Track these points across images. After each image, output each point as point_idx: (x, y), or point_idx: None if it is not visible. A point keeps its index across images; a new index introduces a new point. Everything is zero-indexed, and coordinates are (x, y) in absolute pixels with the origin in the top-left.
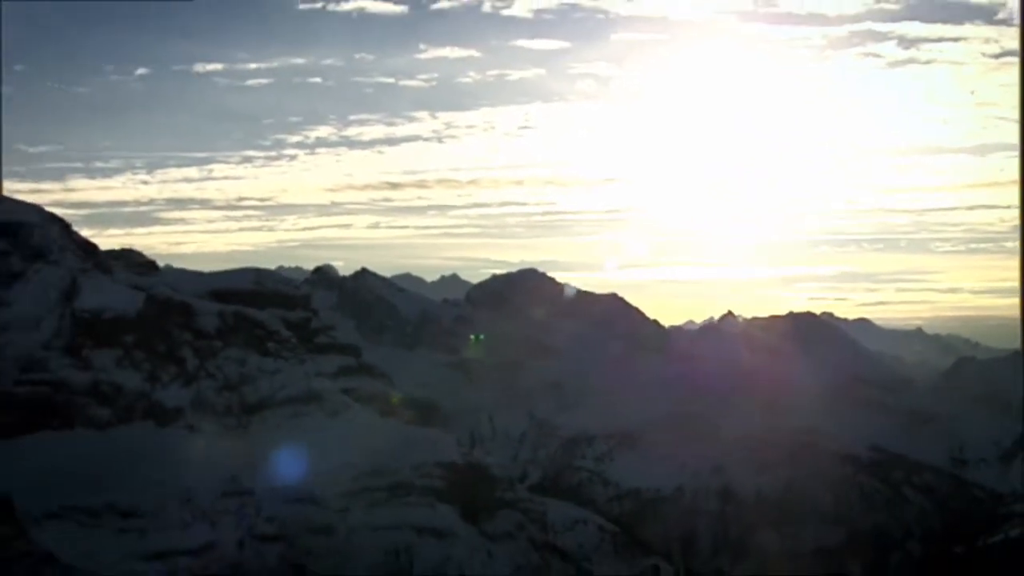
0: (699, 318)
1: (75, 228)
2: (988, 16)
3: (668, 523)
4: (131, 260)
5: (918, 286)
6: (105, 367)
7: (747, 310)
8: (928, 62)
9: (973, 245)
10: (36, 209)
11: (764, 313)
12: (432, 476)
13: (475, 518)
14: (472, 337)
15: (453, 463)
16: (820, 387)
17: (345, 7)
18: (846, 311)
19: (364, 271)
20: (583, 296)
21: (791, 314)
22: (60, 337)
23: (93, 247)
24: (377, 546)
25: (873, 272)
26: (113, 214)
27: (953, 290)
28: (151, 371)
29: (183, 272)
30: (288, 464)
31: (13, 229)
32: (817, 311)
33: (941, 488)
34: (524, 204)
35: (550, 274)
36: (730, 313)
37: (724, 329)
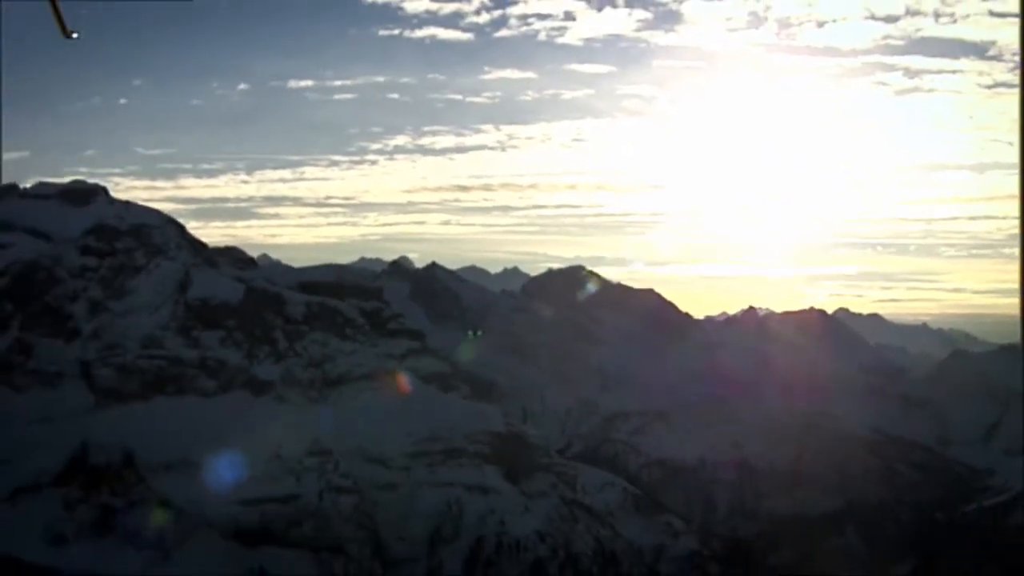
0: (730, 311)
1: (183, 221)
2: (981, 52)
3: (690, 490)
4: (234, 256)
5: (927, 286)
6: (211, 346)
7: (773, 305)
8: (931, 91)
9: (975, 251)
10: (157, 213)
11: (787, 308)
12: (480, 443)
13: (515, 479)
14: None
15: (499, 432)
16: (829, 375)
17: (419, 34)
18: (862, 307)
19: (434, 264)
20: (624, 290)
21: (806, 310)
22: (175, 320)
23: (203, 245)
24: (433, 500)
25: (887, 272)
26: (217, 209)
27: (957, 290)
28: (249, 350)
29: (277, 266)
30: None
31: (137, 230)
32: (836, 307)
33: (929, 465)
34: (578, 207)
35: (598, 268)
36: (752, 307)
37: (746, 322)
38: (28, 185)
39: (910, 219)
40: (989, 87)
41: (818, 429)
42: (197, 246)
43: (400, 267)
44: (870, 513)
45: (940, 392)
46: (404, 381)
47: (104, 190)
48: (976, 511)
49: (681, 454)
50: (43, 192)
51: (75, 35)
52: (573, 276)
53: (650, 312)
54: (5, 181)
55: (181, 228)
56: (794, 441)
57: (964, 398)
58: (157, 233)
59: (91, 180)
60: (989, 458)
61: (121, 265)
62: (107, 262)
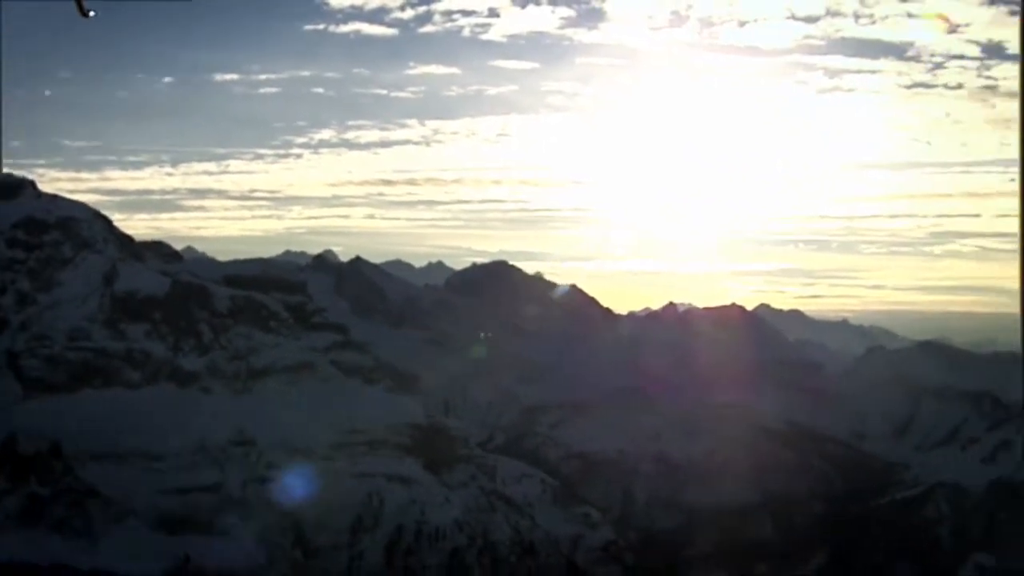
0: (653, 307)
1: (108, 213)
2: (900, 53)
3: (610, 482)
4: (160, 250)
5: (848, 282)
6: (137, 338)
7: (696, 300)
8: (851, 90)
9: (895, 248)
10: (84, 207)
11: (710, 304)
12: (401, 434)
13: (436, 469)
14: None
15: (419, 424)
16: (747, 369)
17: (344, 29)
18: (783, 303)
19: (358, 259)
20: (547, 285)
21: (726, 305)
22: (101, 312)
23: (129, 239)
24: (356, 489)
25: (809, 269)
26: (142, 201)
27: (878, 287)
28: (174, 342)
29: (202, 260)
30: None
31: (64, 223)
32: (757, 303)
33: (842, 457)
34: (502, 201)
35: (522, 263)
36: (672, 303)
37: (667, 317)
38: None
39: (832, 217)
40: (908, 87)
41: (735, 422)
42: (124, 240)
43: (324, 261)
44: (784, 505)
45: (856, 387)
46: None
47: (32, 184)
48: (889, 504)
49: (601, 447)
50: None
51: (92, 13)
52: (496, 271)
53: (572, 307)
54: None
55: (108, 222)
56: (712, 434)
57: (879, 394)
58: (84, 227)
59: (16, 172)
60: (902, 452)
61: (48, 258)
62: (35, 255)
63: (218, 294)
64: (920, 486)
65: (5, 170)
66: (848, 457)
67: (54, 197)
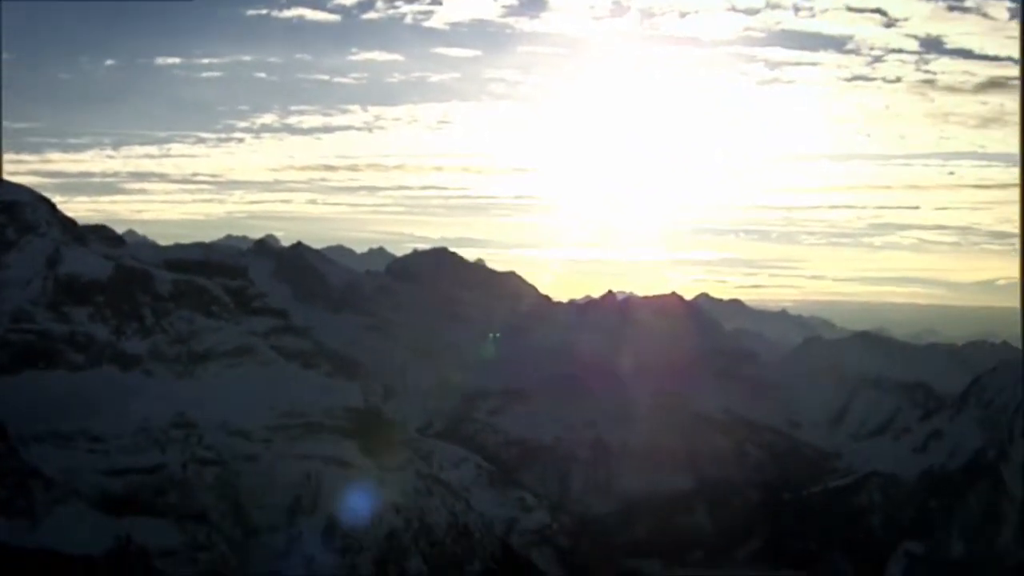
0: (594, 294)
1: (48, 195)
2: (839, 46)
3: (546, 468)
4: (103, 234)
5: (788, 272)
6: (80, 321)
7: (637, 289)
8: (791, 82)
9: (835, 239)
10: (28, 191)
11: (651, 292)
12: (339, 418)
13: (372, 453)
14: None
15: (356, 408)
16: (684, 358)
17: (286, 14)
18: (724, 292)
19: (300, 244)
20: (487, 272)
21: (665, 294)
22: (45, 296)
23: (73, 223)
24: (293, 471)
25: (750, 259)
26: (83, 184)
27: (817, 277)
28: (117, 326)
29: (144, 244)
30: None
31: (8, 206)
32: (698, 292)
33: (777, 446)
34: (444, 188)
35: (463, 250)
36: (611, 291)
37: (605, 305)
38: None
39: (772, 207)
40: (847, 80)
41: (671, 410)
42: (67, 224)
43: (266, 246)
44: (719, 492)
45: (792, 377)
46: None
47: None
48: (822, 493)
49: (538, 433)
50: None
51: None
52: (437, 257)
53: (511, 294)
54: None
55: (52, 206)
56: (648, 421)
57: (814, 383)
58: (28, 210)
59: None
60: (836, 441)
61: None
62: None
63: (160, 278)
64: (853, 475)
65: None
66: (783, 446)
67: None
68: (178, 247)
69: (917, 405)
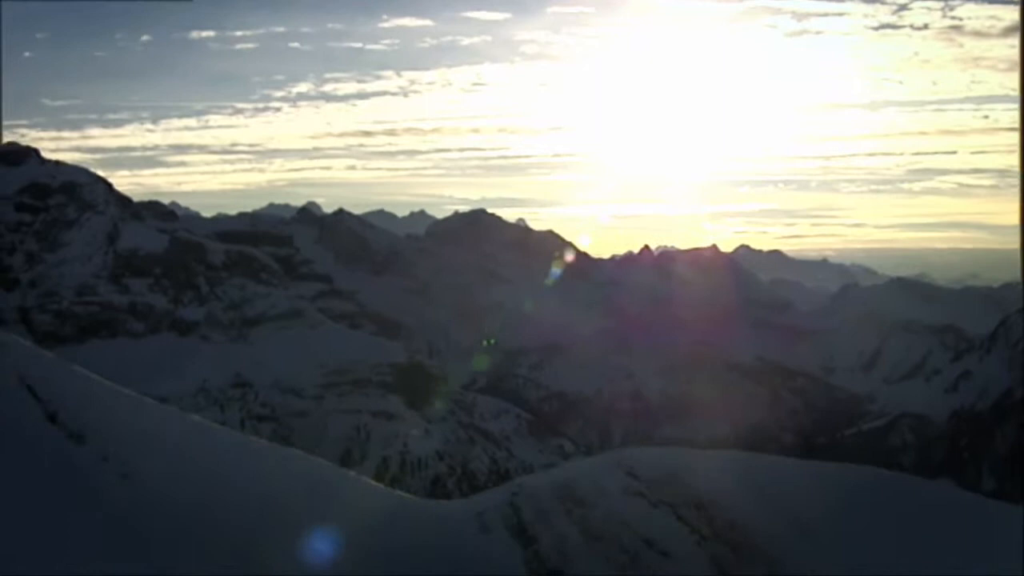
0: (635, 250)
1: (93, 170)
2: None
3: (588, 419)
4: (157, 210)
5: (829, 221)
6: (140, 292)
7: (678, 243)
8: (819, 32)
9: (874, 187)
10: (85, 171)
11: (691, 245)
12: (384, 374)
13: (417, 405)
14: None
15: (400, 364)
16: (720, 309)
17: None
18: (765, 243)
19: (341, 211)
20: (525, 231)
21: (703, 248)
22: (106, 269)
23: (128, 200)
24: (343, 425)
25: (790, 209)
26: (123, 158)
27: (858, 225)
28: (174, 295)
29: (196, 218)
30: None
31: (69, 187)
32: (738, 244)
33: (811, 391)
34: (481, 149)
35: (503, 209)
36: (647, 246)
37: (643, 260)
38: None
39: (809, 156)
40: (875, 28)
41: (708, 360)
42: (123, 201)
43: (308, 213)
44: (755, 438)
45: (828, 324)
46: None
47: (35, 151)
48: (855, 435)
49: (578, 386)
50: None
51: None
52: (476, 219)
53: (549, 252)
54: None
55: (108, 185)
56: (685, 371)
57: (849, 329)
58: (86, 190)
59: (7, 138)
60: (870, 385)
61: (54, 220)
62: (41, 217)
63: (213, 249)
64: (886, 417)
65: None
66: (817, 391)
67: (57, 163)
68: (227, 218)
69: (948, 347)
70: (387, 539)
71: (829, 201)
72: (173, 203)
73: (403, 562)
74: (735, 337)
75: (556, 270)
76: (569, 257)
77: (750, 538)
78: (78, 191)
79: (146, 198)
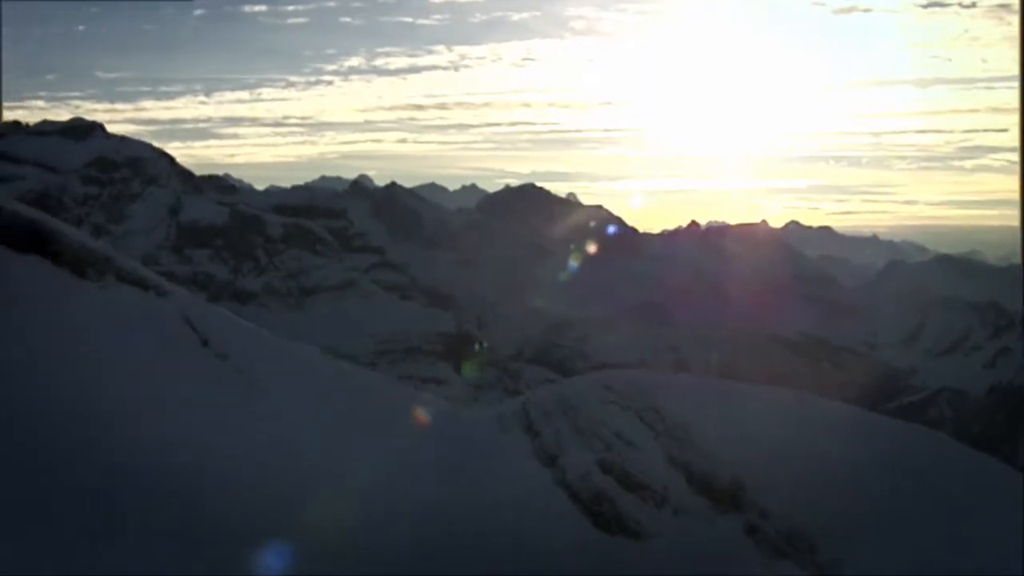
0: (684, 224)
1: (146, 140)
2: None
3: None
4: (217, 184)
5: (881, 198)
6: (201, 262)
7: (730, 218)
8: (867, 10)
9: (925, 163)
10: (149, 146)
11: (742, 221)
12: (435, 342)
13: (465, 373)
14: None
15: (449, 333)
16: (764, 284)
17: None
18: (816, 219)
19: (393, 184)
20: (573, 206)
21: (750, 223)
22: (168, 241)
23: (190, 174)
24: None
25: (843, 185)
26: (176, 130)
27: (910, 202)
28: (234, 265)
29: (254, 191)
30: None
31: (133, 161)
32: (788, 219)
33: (853, 365)
34: (532, 124)
35: (553, 184)
36: (694, 221)
37: (689, 235)
38: (32, 123)
39: (859, 132)
40: (924, 6)
41: (750, 333)
42: (185, 175)
43: (361, 186)
44: None
45: (873, 300)
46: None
47: (100, 126)
48: (895, 408)
49: (623, 357)
50: (46, 129)
51: None
52: (526, 193)
53: (598, 226)
54: None
55: (171, 159)
56: (728, 344)
57: (893, 305)
58: (150, 164)
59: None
60: (911, 360)
61: (119, 193)
62: (107, 190)
63: (271, 221)
64: (925, 391)
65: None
66: (859, 365)
67: (122, 138)
68: (282, 191)
69: (988, 324)
70: (433, 439)
71: (881, 178)
72: (226, 174)
73: (445, 454)
74: (779, 312)
75: (574, 263)
76: (616, 231)
77: (692, 435)
78: (142, 165)
79: (198, 170)
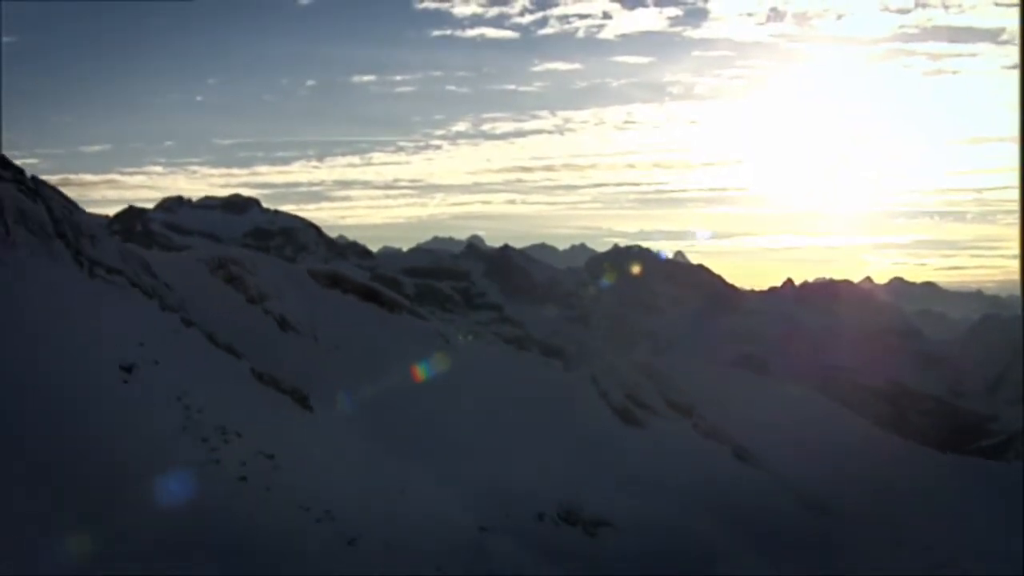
0: (797, 280)
1: (265, 204)
2: (994, 38)
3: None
4: (356, 249)
5: (988, 252)
6: None
7: (836, 273)
8: (955, 72)
9: None
10: (299, 219)
11: (850, 277)
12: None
13: None
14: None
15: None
16: (855, 336)
17: (470, 33)
18: (922, 275)
19: (506, 246)
20: (677, 265)
21: (846, 280)
22: None
23: (333, 241)
24: None
25: (948, 240)
26: (290, 193)
27: (1017, 256)
28: None
29: (387, 255)
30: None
31: (285, 231)
32: (893, 275)
33: (937, 412)
34: (637, 184)
35: (660, 242)
36: (789, 280)
37: (784, 292)
38: (195, 199)
39: (960, 189)
40: (1010, 68)
41: (838, 381)
42: (329, 242)
43: (475, 248)
44: None
45: (962, 351)
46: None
47: (257, 202)
48: (973, 451)
49: None
50: (209, 204)
51: None
52: (632, 253)
53: (700, 285)
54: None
55: (318, 230)
56: (816, 391)
57: (980, 356)
58: (300, 233)
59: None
60: (994, 407)
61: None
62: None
63: (405, 282)
64: (1003, 435)
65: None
66: (943, 412)
67: (276, 212)
68: (412, 254)
69: None
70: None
71: (986, 232)
72: (340, 236)
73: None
74: (868, 362)
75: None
76: (719, 289)
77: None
78: (293, 234)
79: None
